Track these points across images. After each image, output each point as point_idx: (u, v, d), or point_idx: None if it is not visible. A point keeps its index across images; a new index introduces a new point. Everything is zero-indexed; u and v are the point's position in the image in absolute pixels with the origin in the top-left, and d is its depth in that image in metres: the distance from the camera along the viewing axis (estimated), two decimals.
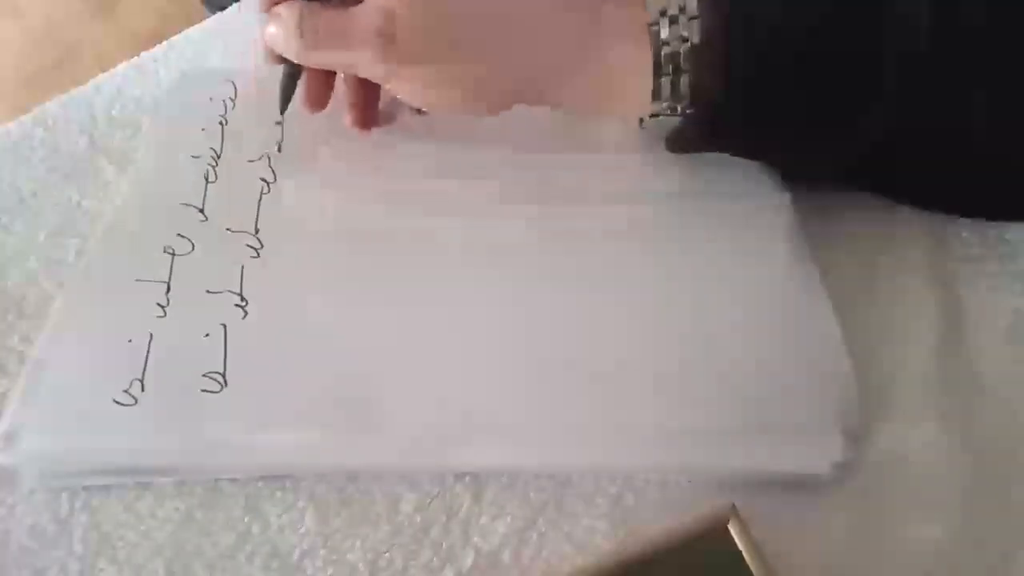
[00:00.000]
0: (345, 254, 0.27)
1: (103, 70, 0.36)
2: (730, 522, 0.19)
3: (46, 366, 0.24)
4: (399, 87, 0.27)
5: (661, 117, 0.26)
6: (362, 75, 0.27)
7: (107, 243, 0.28)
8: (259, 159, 0.30)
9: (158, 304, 0.26)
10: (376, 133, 0.31)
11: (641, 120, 0.27)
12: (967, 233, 0.27)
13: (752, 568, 0.18)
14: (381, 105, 0.31)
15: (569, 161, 0.30)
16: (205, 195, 0.29)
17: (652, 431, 0.23)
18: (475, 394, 0.23)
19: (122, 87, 0.35)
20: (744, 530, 0.19)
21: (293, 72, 0.29)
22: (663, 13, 0.24)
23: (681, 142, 0.27)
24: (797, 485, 0.22)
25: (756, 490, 0.22)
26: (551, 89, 0.26)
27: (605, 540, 0.21)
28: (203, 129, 0.32)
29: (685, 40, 0.24)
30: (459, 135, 0.30)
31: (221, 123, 0.32)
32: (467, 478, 0.23)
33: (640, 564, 0.19)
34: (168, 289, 0.26)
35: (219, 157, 0.31)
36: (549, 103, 0.27)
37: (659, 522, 0.21)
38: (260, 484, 0.23)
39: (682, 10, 0.24)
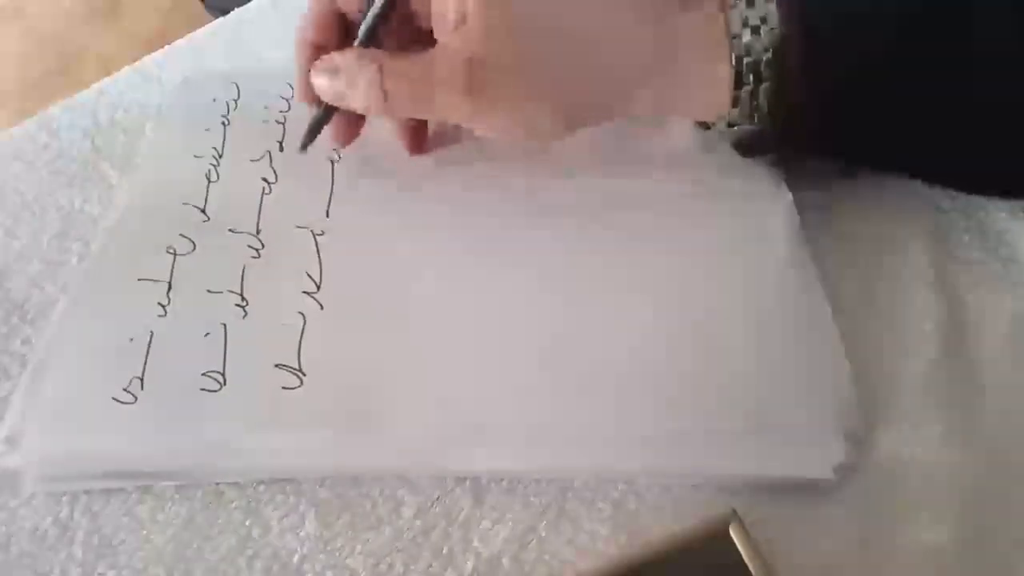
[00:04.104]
0: (346, 254, 0.27)
1: (106, 74, 0.36)
2: (731, 526, 0.19)
3: (47, 367, 0.25)
4: (482, 125, 0.26)
5: (736, 127, 0.26)
6: (444, 120, 0.27)
7: (109, 242, 0.28)
8: (261, 158, 0.31)
9: (159, 303, 0.26)
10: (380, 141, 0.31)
11: (707, 126, 0.27)
12: (968, 236, 0.27)
13: (754, 572, 0.18)
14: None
15: (571, 166, 0.29)
16: (207, 195, 0.29)
17: (654, 435, 0.23)
18: (476, 397, 0.23)
19: (125, 91, 0.35)
20: (745, 534, 0.19)
21: (329, 112, 0.27)
22: (745, 23, 0.24)
23: (756, 147, 0.27)
24: (798, 489, 0.22)
25: (758, 494, 0.22)
26: (625, 101, 0.26)
27: (606, 545, 0.21)
28: (207, 129, 0.32)
29: (767, 50, 0.24)
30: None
31: (223, 123, 0.32)
32: (468, 482, 0.23)
33: (641, 569, 0.19)
34: (169, 288, 0.26)
35: (221, 157, 0.31)
36: (620, 116, 0.27)
37: (661, 526, 0.21)
38: (261, 488, 0.23)
39: (763, 21, 0.24)
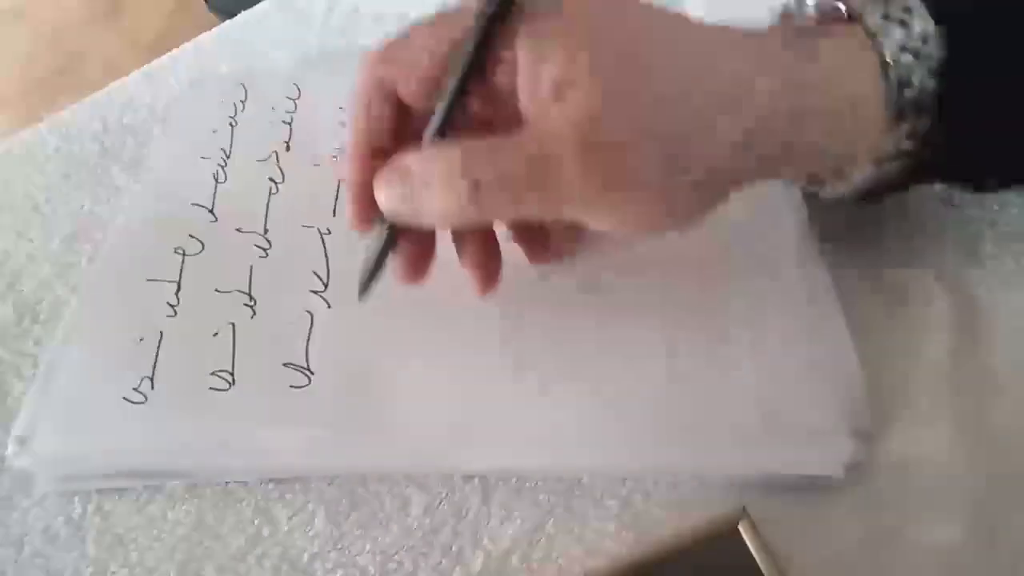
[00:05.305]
0: (353, 253, 0.27)
1: (109, 75, 0.37)
2: (741, 524, 0.19)
3: (58, 368, 0.25)
4: (596, 217, 0.20)
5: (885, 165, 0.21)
6: (545, 216, 0.20)
7: (119, 244, 0.28)
8: (268, 159, 0.31)
9: (168, 304, 0.26)
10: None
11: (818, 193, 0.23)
12: (981, 233, 0.27)
13: (764, 570, 0.18)
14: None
15: None
16: (215, 195, 0.30)
17: (662, 433, 0.23)
18: (485, 395, 0.23)
19: (133, 95, 0.36)
20: (755, 532, 0.19)
21: (391, 240, 0.22)
22: (903, 48, 0.19)
23: (885, 190, 0.22)
24: (808, 487, 0.22)
25: (767, 492, 0.21)
26: (760, 159, 0.21)
27: (615, 542, 0.21)
28: (214, 131, 0.32)
29: (931, 75, 0.20)
30: None
31: (231, 124, 0.32)
32: (476, 480, 0.23)
33: (650, 566, 0.19)
34: (178, 288, 0.26)
35: (228, 157, 0.31)
36: (766, 176, 0.22)
37: (669, 524, 0.21)
38: (271, 487, 0.23)
39: (924, 41, 0.19)
